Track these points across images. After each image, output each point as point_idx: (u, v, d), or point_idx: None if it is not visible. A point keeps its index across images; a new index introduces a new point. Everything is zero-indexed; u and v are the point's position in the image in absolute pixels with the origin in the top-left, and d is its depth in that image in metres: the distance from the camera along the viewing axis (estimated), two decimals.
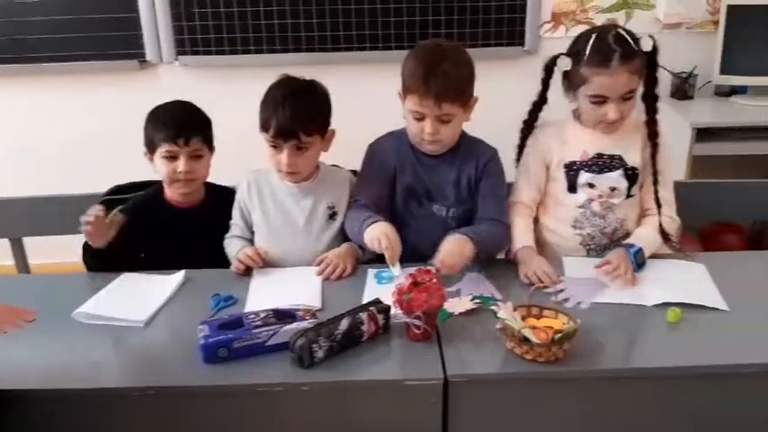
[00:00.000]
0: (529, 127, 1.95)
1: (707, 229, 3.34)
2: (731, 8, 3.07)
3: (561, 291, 1.65)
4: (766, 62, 3.09)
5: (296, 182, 1.88)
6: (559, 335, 1.37)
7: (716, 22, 3.15)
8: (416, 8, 3.13)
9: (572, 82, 1.80)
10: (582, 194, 1.88)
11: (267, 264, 1.81)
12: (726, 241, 3.23)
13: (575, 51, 1.78)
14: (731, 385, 1.42)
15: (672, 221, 1.88)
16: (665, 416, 1.44)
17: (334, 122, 1.88)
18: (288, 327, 1.43)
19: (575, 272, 1.75)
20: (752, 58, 3.09)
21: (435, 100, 1.71)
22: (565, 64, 1.79)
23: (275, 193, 1.91)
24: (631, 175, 1.86)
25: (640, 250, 1.77)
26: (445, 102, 1.72)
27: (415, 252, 1.76)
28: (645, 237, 1.84)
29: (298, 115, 1.75)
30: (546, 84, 1.88)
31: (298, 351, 1.38)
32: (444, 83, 1.70)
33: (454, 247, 1.68)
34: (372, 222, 1.72)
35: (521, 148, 1.97)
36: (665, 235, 1.85)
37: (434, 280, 1.46)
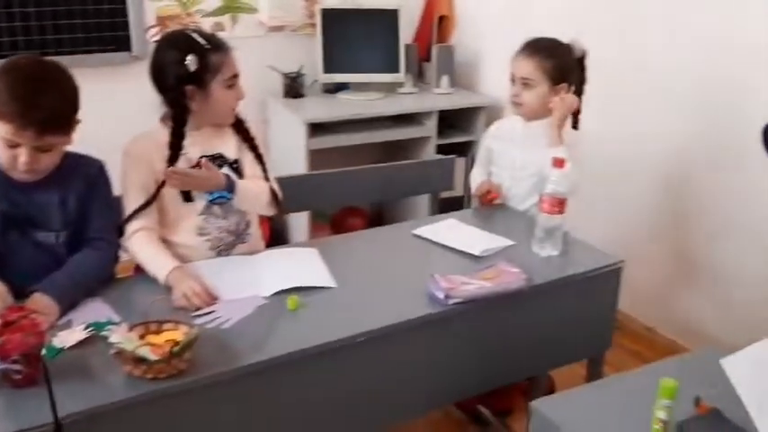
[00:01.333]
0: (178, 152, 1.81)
1: (336, 214, 3.64)
2: (325, 12, 3.34)
3: (210, 312, 1.59)
4: (361, 61, 3.43)
5: None
6: (177, 347, 1.32)
7: (314, 25, 3.39)
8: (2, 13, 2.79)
9: (203, 77, 1.77)
10: (200, 201, 1.85)
11: None
12: (351, 224, 3.55)
13: (201, 47, 1.75)
14: (354, 355, 1.54)
15: (278, 190, 1.96)
16: (306, 399, 1.52)
17: None
18: None
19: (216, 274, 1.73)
20: (349, 57, 3.41)
21: (36, 133, 1.53)
22: (193, 63, 1.74)
23: None
24: (237, 168, 1.91)
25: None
26: (48, 135, 1.55)
27: (23, 289, 1.53)
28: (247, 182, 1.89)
29: None
30: (184, 93, 1.78)
31: None
32: (48, 116, 1.53)
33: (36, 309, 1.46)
34: None
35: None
36: (276, 199, 1.93)
37: (30, 316, 1.30)
